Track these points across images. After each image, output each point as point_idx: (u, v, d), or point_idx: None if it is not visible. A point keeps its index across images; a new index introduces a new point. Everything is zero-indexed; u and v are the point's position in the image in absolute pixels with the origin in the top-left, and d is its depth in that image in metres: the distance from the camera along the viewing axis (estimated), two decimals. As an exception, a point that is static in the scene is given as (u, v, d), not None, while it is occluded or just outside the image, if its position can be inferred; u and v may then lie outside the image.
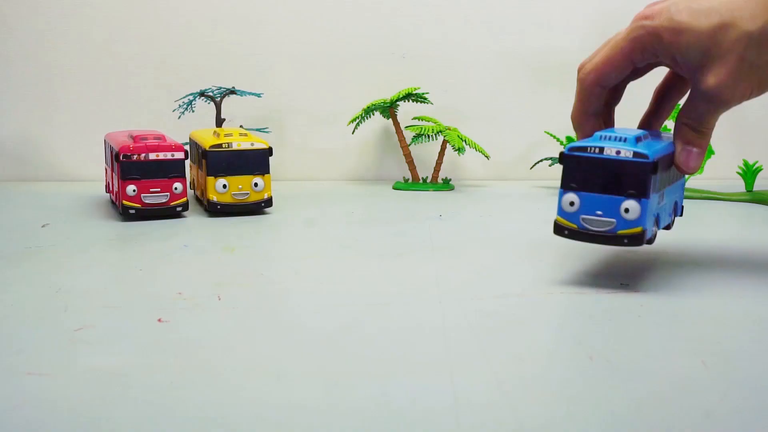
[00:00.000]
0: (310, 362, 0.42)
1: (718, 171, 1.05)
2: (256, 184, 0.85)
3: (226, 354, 0.44)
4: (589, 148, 0.55)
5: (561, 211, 0.56)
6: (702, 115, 0.56)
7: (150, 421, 0.35)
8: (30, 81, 1.12)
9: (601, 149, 0.54)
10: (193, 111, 1.01)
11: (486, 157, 1.10)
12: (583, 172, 0.55)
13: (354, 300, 0.53)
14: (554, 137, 1.10)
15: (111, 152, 0.87)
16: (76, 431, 0.34)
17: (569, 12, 1.18)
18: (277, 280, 0.59)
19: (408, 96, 1.11)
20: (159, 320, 0.49)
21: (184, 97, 1.00)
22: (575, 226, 0.55)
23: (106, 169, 0.93)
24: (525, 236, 0.77)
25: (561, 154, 0.56)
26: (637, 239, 0.53)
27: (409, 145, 1.11)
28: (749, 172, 0.95)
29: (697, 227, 0.76)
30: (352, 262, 0.65)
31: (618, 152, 0.54)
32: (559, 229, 0.56)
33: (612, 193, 0.54)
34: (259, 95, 1.06)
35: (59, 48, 1.12)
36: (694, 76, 0.55)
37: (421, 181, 1.12)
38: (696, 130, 0.56)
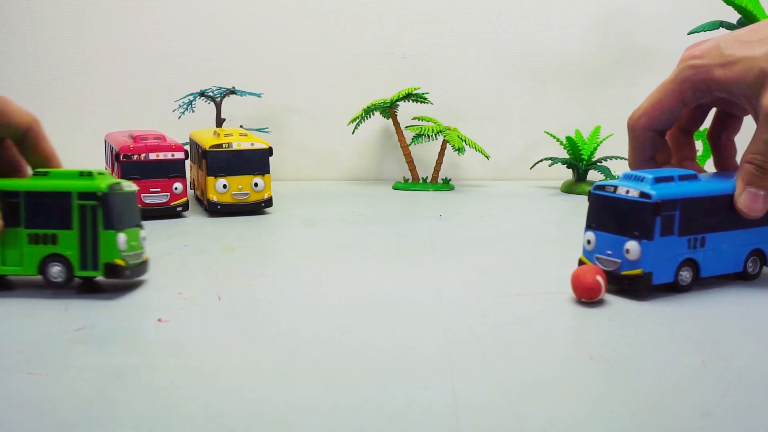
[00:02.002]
0: (309, 362, 0.42)
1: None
2: (256, 184, 0.85)
3: (226, 354, 0.44)
4: (606, 187, 0.54)
5: (583, 250, 0.55)
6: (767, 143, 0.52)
7: (150, 421, 0.35)
8: (30, 81, 1.12)
9: (615, 188, 0.53)
10: (193, 111, 1.01)
11: (486, 157, 1.10)
12: (599, 210, 0.54)
13: (354, 300, 0.53)
14: (554, 137, 1.10)
15: (111, 152, 0.87)
16: (76, 431, 0.34)
17: (569, 12, 1.18)
18: (276, 280, 0.59)
19: (408, 96, 1.11)
20: (159, 320, 0.49)
21: (184, 97, 1.00)
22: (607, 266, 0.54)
23: (106, 169, 0.93)
24: (525, 236, 0.77)
25: (589, 192, 0.55)
26: (637, 282, 0.52)
27: (409, 145, 1.11)
28: None
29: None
30: (351, 262, 0.65)
31: (627, 191, 0.53)
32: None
33: (619, 233, 0.53)
34: (259, 95, 1.06)
35: (59, 48, 1.12)
36: (754, 104, 0.52)
37: (421, 181, 1.12)
38: (761, 167, 0.53)
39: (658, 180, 0.52)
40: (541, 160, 1.10)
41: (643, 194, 0.52)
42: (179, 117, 1.00)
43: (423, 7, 1.18)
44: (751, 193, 0.53)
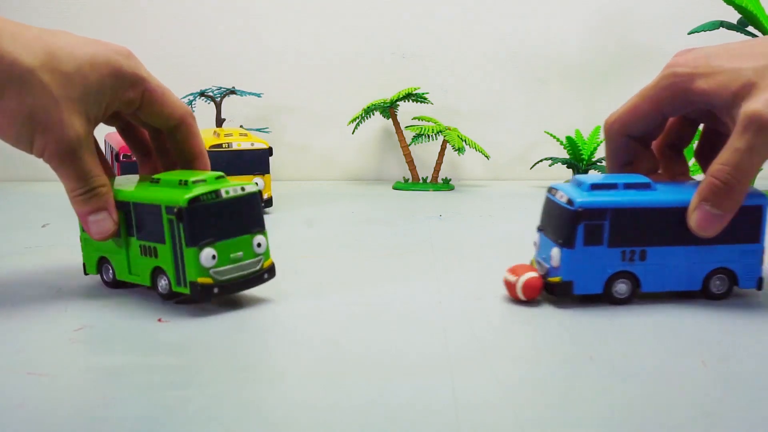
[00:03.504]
0: (309, 362, 0.42)
1: None
2: (256, 184, 0.85)
3: (225, 354, 0.44)
4: (553, 190, 0.53)
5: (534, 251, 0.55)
6: (740, 154, 0.47)
7: (150, 421, 0.35)
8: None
9: (557, 192, 0.52)
10: (193, 111, 1.01)
11: (486, 157, 1.10)
12: (545, 213, 0.53)
13: (354, 300, 0.53)
14: (554, 137, 1.10)
15: (111, 152, 0.87)
16: (76, 431, 0.34)
17: (569, 12, 1.18)
18: (276, 280, 0.59)
19: (408, 96, 1.11)
20: (159, 320, 0.49)
21: (184, 97, 1.00)
22: (536, 267, 0.54)
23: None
24: (525, 236, 0.77)
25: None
26: (558, 289, 0.50)
27: (409, 145, 1.11)
28: None
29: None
30: (351, 262, 0.65)
31: (561, 196, 0.51)
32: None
33: (551, 238, 0.51)
34: (259, 95, 1.06)
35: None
36: (733, 113, 0.49)
37: (421, 181, 1.12)
38: (726, 182, 0.48)
39: (595, 187, 0.50)
40: (541, 160, 1.10)
41: (569, 201, 0.50)
42: (179, 117, 1.00)
43: (423, 7, 1.18)
44: (704, 211, 0.49)
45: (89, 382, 0.39)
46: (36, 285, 0.57)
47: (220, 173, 0.52)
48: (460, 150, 1.05)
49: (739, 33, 0.93)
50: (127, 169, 0.81)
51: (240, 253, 0.51)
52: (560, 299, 0.52)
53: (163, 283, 0.51)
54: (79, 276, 0.58)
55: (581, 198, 0.49)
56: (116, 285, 0.55)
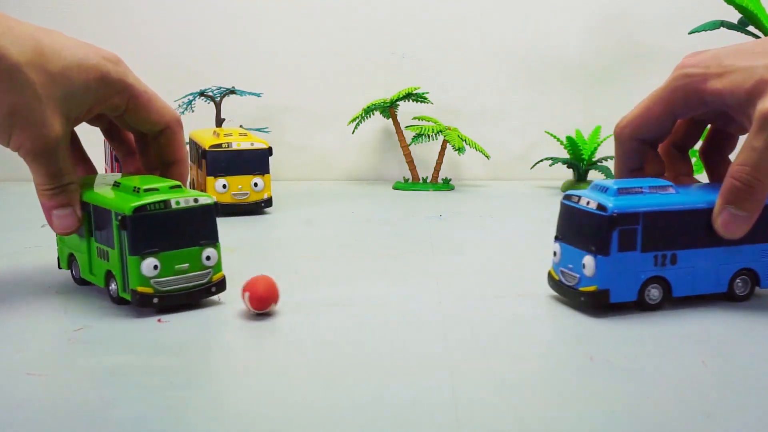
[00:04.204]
0: (309, 362, 0.42)
1: None
2: (255, 184, 0.85)
3: (225, 354, 0.44)
4: (573, 197, 0.51)
5: (552, 262, 0.53)
6: (758, 153, 0.47)
7: (150, 421, 0.35)
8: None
9: (580, 199, 0.50)
10: (193, 111, 1.01)
11: (486, 157, 1.10)
12: (565, 221, 0.51)
13: (354, 299, 0.53)
14: (554, 137, 1.10)
15: (111, 152, 0.87)
16: (76, 431, 0.34)
17: (569, 12, 1.18)
18: (276, 280, 0.59)
19: (408, 96, 1.11)
20: (159, 320, 0.49)
21: (184, 97, 1.00)
22: (557, 278, 0.52)
23: (106, 169, 0.93)
24: (525, 236, 0.77)
25: (561, 201, 0.52)
26: (593, 298, 0.49)
27: (409, 145, 1.11)
28: None
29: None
30: (351, 262, 0.65)
31: (588, 203, 0.49)
32: (549, 279, 0.53)
33: (579, 247, 0.50)
34: (258, 95, 1.06)
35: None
36: (749, 112, 0.48)
37: (421, 181, 1.12)
38: (747, 183, 0.48)
39: (622, 191, 0.49)
40: (541, 160, 1.10)
41: (600, 206, 0.48)
42: (179, 117, 1.00)
43: (423, 7, 1.18)
44: (729, 214, 0.49)
45: (89, 382, 0.39)
46: (36, 285, 0.57)
47: (177, 182, 0.52)
48: (460, 150, 1.05)
49: (739, 33, 0.93)
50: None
51: (186, 265, 0.50)
52: (594, 309, 0.50)
53: (113, 287, 0.52)
54: (79, 276, 0.59)
55: (613, 203, 0.48)
56: (82, 282, 0.56)
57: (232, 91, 1.01)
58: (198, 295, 0.51)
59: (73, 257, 0.56)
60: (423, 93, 1.12)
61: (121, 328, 0.48)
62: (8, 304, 0.52)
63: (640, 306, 0.50)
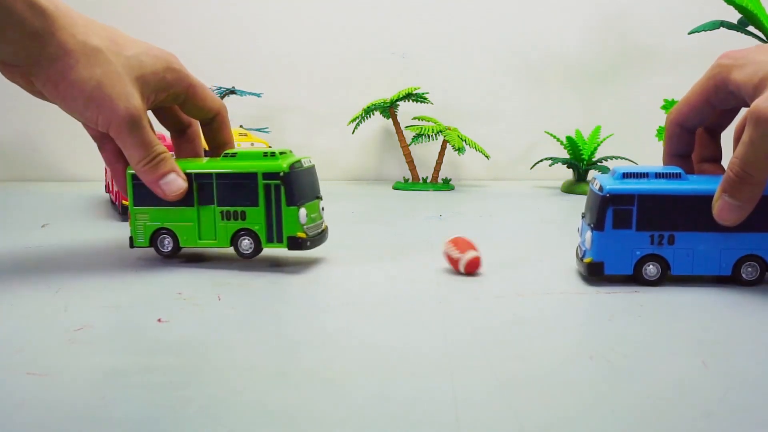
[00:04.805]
0: (309, 362, 0.42)
1: None
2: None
3: (226, 354, 0.44)
4: (594, 181, 0.57)
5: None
6: (745, 147, 0.49)
7: (150, 421, 0.35)
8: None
9: (595, 182, 0.56)
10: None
11: (486, 157, 1.10)
12: (587, 201, 0.58)
13: (354, 300, 0.53)
14: (554, 137, 1.10)
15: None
16: (75, 431, 0.34)
17: (569, 12, 1.18)
18: (276, 280, 0.59)
19: (408, 96, 1.11)
20: (159, 320, 0.49)
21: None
22: (578, 252, 0.59)
23: (106, 170, 0.93)
24: (525, 236, 0.77)
25: None
26: (590, 268, 0.55)
27: (409, 145, 1.11)
28: None
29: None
30: (351, 262, 0.65)
31: (596, 184, 0.56)
32: (576, 253, 0.60)
33: (587, 223, 0.57)
34: (259, 95, 1.06)
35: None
36: (749, 104, 0.51)
37: (421, 181, 1.12)
38: (738, 175, 0.50)
39: (626, 176, 0.54)
40: (541, 160, 1.10)
41: (600, 188, 0.55)
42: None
43: (423, 8, 1.18)
44: (724, 202, 0.52)
45: (89, 382, 0.39)
46: (36, 285, 0.57)
47: (286, 149, 0.61)
48: (460, 150, 1.05)
49: (739, 33, 0.93)
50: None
51: (314, 215, 0.61)
52: (592, 278, 0.56)
53: (246, 242, 0.59)
54: (80, 276, 0.59)
55: (610, 185, 0.54)
56: (174, 254, 0.62)
57: (232, 91, 1.01)
58: (320, 240, 0.62)
59: (162, 232, 0.61)
60: (423, 93, 1.12)
61: (121, 328, 0.48)
62: (8, 304, 0.52)
63: (637, 281, 0.55)
